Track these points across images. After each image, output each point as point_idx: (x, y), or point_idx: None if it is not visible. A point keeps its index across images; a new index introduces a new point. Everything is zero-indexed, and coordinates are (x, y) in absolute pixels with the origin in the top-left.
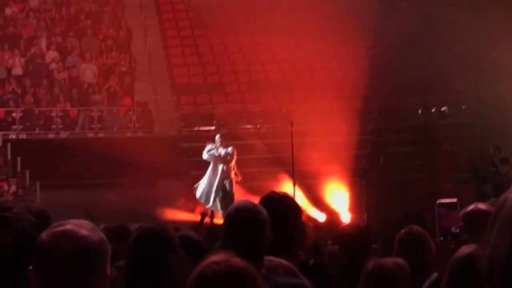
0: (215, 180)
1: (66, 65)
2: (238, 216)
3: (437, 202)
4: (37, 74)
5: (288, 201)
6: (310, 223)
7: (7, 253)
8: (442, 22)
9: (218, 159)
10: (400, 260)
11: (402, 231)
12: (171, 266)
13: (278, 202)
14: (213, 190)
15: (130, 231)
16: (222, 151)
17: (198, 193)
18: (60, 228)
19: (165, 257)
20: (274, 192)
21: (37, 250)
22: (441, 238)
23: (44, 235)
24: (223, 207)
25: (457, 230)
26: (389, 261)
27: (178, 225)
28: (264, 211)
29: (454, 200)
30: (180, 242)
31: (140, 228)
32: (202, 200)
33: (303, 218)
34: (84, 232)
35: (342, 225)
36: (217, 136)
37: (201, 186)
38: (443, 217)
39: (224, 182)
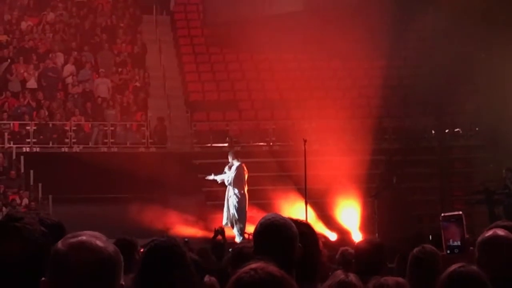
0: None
1: (81, 79)
2: (267, 230)
3: (442, 215)
4: (50, 88)
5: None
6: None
7: (17, 262)
8: (456, 43)
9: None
10: (401, 279)
11: (415, 250)
12: (174, 282)
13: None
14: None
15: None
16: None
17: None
18: (76, 239)
19: (172, 273)
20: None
21: (52, 261)
22: (448, 252)
23: (60, 246)
24: (234, 224)
25: (458, 243)
26: (391, 280)
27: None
28: (293, 225)
29: (459, 212)
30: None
31: (152, 242)
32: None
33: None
34: (99, 243)
35: (357, 241)
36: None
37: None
38: (449, 231)
39: (232, 199)
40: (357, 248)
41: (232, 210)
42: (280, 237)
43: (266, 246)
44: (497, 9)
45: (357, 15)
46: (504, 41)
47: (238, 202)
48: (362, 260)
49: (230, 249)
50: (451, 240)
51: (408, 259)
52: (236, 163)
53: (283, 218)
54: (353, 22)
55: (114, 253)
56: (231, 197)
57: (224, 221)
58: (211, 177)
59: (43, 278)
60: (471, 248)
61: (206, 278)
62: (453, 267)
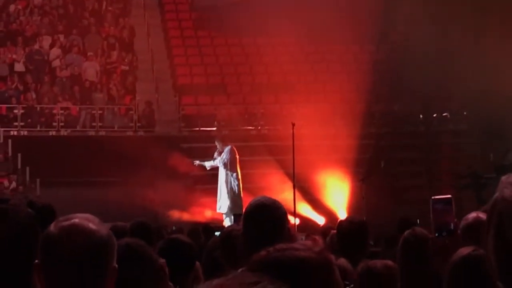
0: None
1: (69, 63)
2: (257, 212)
3: (432, 198)
4: (37, 71)
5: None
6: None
7: (3, 244)
8: (445, 28)
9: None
10: (390, 262)
11: (406, 232)
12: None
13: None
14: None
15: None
16: (219, 157)
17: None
18: (68, 222)
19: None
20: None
21: (44, 244)
22: (436, 235)
23: (52, 229)
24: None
25: (448, 226)
26: (379, 263)
27: (178, 225)
28: (281, 206)
29: (449, 196)
30: (169, 245)
31: (167, 241)
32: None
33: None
34: (92, 226)
35: (339, 220)
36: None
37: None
38: (439, 214)
39: (231, 183)
40: (339, 226)
41: (233, 193)
42: (270, 216)
43: (256, 226)
44: None
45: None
46: (493, 26)
47: (237, 185)
48: (344, 239)
49: (216, 233)
50: (440, 223)
51: (399, 242)
52: (226, 147)
53: (272, 199)
54: (342, 6)
55: (107, 236)
56: (230, 181)
57: (218, 208)
58: (199, 162)
59: (36, 261)
60: (459, 231)
61: None
62: (465, 251)
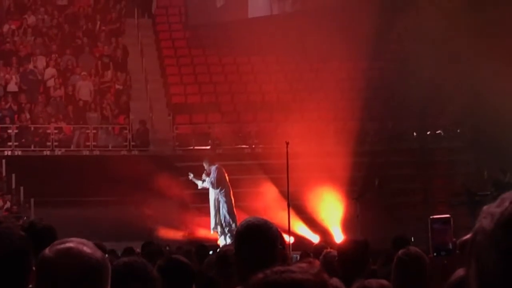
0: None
1: (65, 83)
2: (249, 233)
3: (430, 217)
4: (31, 91)
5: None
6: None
7: None
8: (439, 46)
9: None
10: (385, 282)
11: (400, 252)
12: None
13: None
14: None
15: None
16: (208, 178)
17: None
18: (63, 246)
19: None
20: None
21: (40, 267)
22: (435, 254)
23: (47, 252)
24: (225, 226)
25: (446, 246)
26: (374, 282)
27: (169, 243)
28: (274, 227)
29: (448, 216)
30: (168, 264)
31: (166, 260)
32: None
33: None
34: (87, 249)
35: (340, 241)
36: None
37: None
38: (437, 233)
39: (221, 201)
40: (340, 248)
41: (223, 211)
42: (262, 237)
43: (248, 246)
44: (480, 11)
45: (339, 17)
46: (487, 42)
47: (227, 202)
48: (346, 261)
49: (210, 252)
50: (438, 243)
51: (393, 261)
52: (213, 166)
53: (264, 219)
54: (336, 24)
55: (102, 260)
56: (220, 199)
57: (212, 226)
58: (193, 177)
59: (30, 286)
60: (457, 251)
61: None
62: (461, 272)
